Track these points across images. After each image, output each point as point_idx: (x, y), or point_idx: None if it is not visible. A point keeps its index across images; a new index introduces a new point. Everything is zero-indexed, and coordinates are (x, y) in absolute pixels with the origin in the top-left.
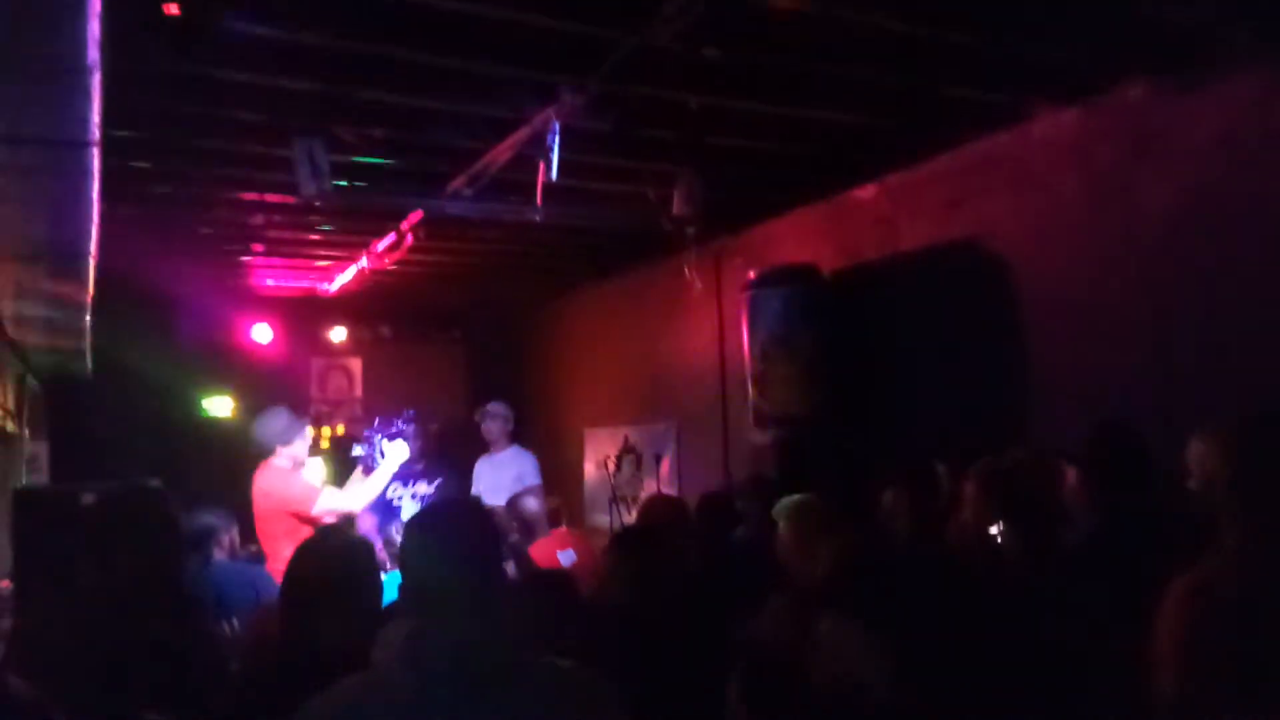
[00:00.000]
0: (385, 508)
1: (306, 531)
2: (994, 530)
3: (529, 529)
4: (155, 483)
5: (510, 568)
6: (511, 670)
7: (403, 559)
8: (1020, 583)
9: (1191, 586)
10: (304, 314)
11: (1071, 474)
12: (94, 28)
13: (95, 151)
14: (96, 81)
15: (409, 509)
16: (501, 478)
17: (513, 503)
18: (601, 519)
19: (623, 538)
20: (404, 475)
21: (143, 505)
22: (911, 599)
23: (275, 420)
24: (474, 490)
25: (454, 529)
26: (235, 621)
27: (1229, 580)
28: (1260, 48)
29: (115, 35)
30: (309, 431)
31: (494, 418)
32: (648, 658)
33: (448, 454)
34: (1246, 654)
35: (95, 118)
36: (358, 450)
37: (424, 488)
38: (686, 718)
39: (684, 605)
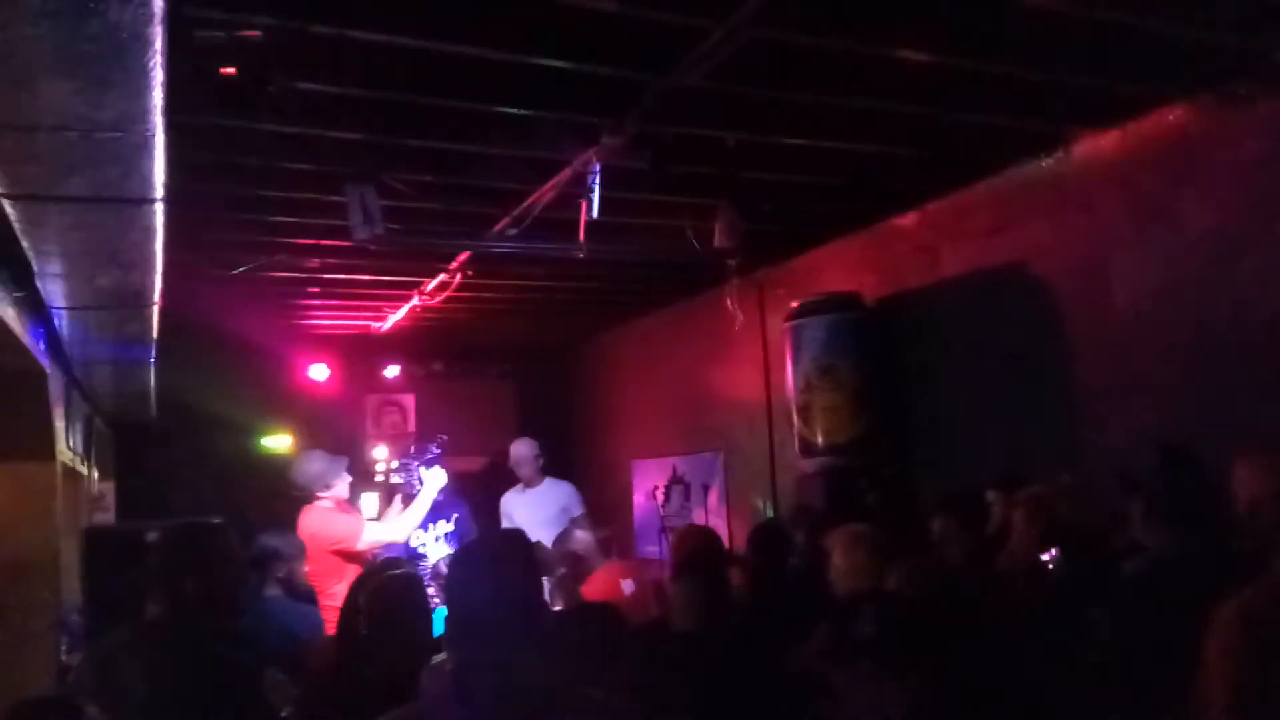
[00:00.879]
0: (409, 555)
1: (354, 569)
2: (1046, 557)
3: (582, 562)
4: (218, 520)
5: (556, 600)
6: (556, 703)
7: (448, 592)
8: (1070, 611)
9: (1237, 611)
10: (359, 352)
11: (1133, 501)
12: (159, 96)
13: (160, 207)
14: (160, 144)
15: (434, 551)
16: (543, 511)
17: (563, 537)
18: (651, 549)
19: (690, 566)
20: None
21: (205, 540)
22: (934, 638)
23: (313, 463)
24: (505, 524)
25: (497, 562)
26: (278, 674)
27: (1274, 605)
28: None
29: (176, 95)
30: (346, 473)
31: (525, 461)
32: (710, 687)
33: (467, 488)
34: None
35: (159, 177)
36: (396, 479)
37: (445, 525)
38: None
39: (742, 634)
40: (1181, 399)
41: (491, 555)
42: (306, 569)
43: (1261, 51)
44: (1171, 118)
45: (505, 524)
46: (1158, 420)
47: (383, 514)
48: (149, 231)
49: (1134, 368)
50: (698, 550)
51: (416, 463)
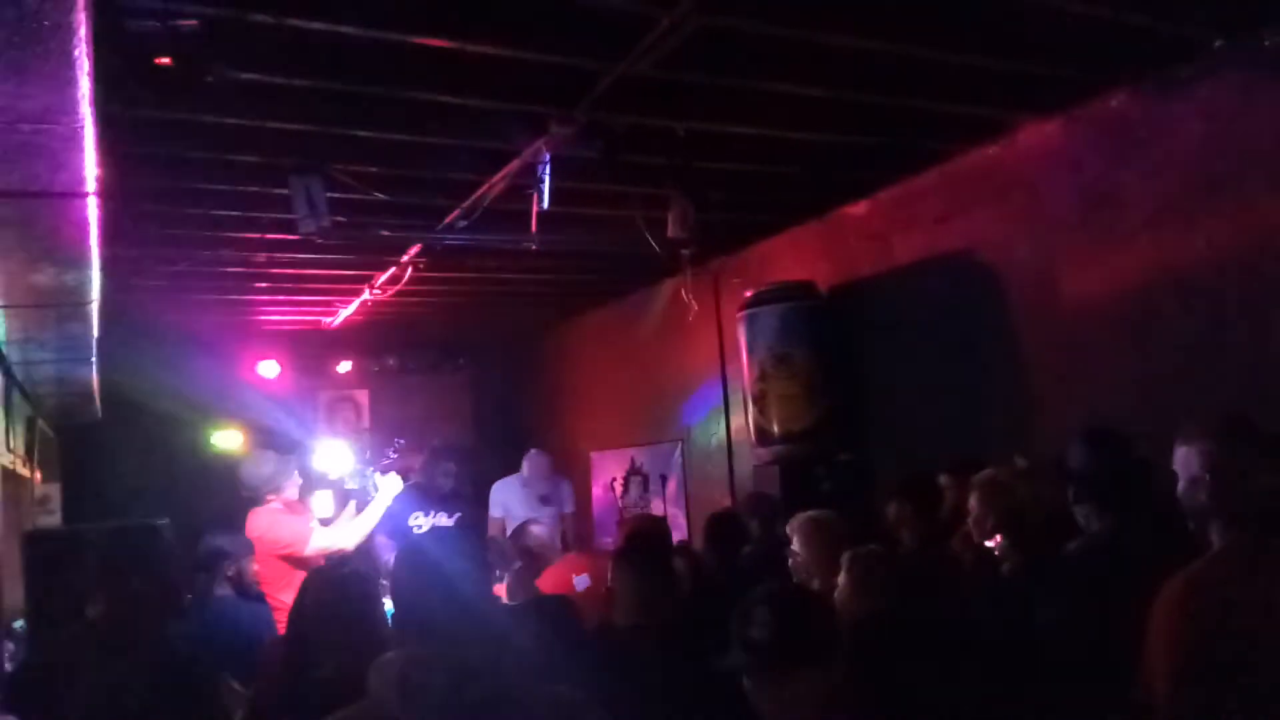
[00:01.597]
0: (406, 536)
1: (302, 575)
2: (991, 544)
3: (536, 556)
4: (161, 521)
5: (510, 594)
6: (506, 698)
7: (394, 590)
8: (1019, 593)
9: (1179, 589)
10: (310, 348)
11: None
12: (86, 85)
13: (93, 201)
14: (90, 136)
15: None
16: (541, 504)
17: (519, 532)
18: (609, 541)
19: (627, 558)
20: (425, 504)
21: (144, 541)
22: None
23: (263, 465)
24: (498, 514)
25: (443, 559)
26: (229, 678)
27: (1216, 582)
28: (1235, 55)
29: (108, 86)
30: (297, 474)
31: (545, 466)
32: (659, 678)
33: (468, 488)
34: (1231, 653)
35: (91, 169)
36: (350, 484)
37: (444, 519)
38: None
39: (691, 624)
40: (1128, 382)
41: (437, 551)
42: (255, 568)
43: (1201, 37)
44: (1114, 104)
45: (498, 512)
46: (1106, 404)
47: (337, 514)
48: (83, 226)
49: (1081, 352)
50: (635, 540)
51: (372, 468)
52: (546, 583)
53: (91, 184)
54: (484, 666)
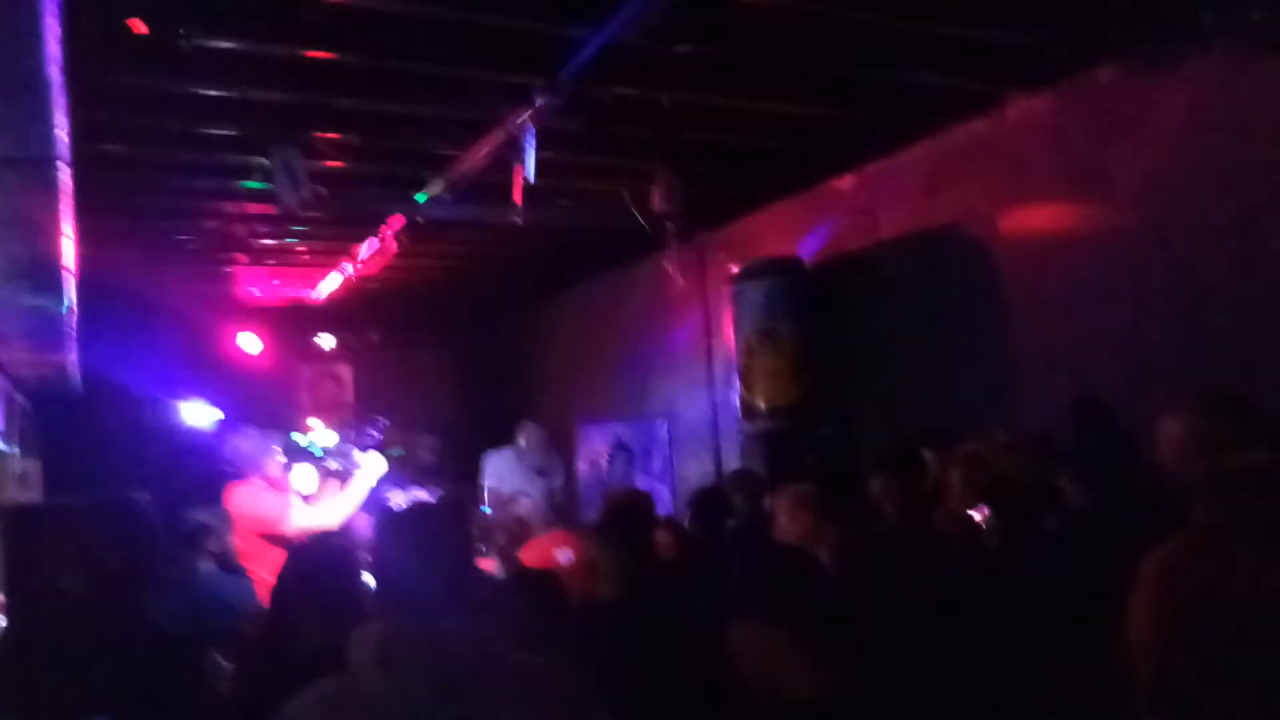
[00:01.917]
0: (386, 511)
1: (280, 551)
2: (976, 515)
3: (522, 530)
4: (141, 495)
5: (495, 568)
6: (487, 670)
7: (376, 561)
8: (1001, 565)
9: (1162, 563)
10: (293, 322)
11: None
12: (53, 48)
13: (63, 168)
14: (59, 99)
15: None
16: (536, 475)
17: (506, 505)
18: (595, 516)
19: (605, 532)
20: (403, 480)
21: (122, 515)
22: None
23: (244, 443)
24: (492, 483)
25: (425, 531)
26: (215, 655)
27: (1197, 556)
28: (1223, 30)
29: (81, 53)
30: (280, 451)
31: (540, 438)
32: (641, 652)
33: (449, 466)
34: (1212, 627)
35: (61, 135)
36: (333, 464)
37: (423, 495)
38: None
39: (676, 599)
40: (1114, 358)
41: (421, 523)
42: (237, 545)
43: (1189, 12)
44: (1102, 78)
45: (491, 482)
46: (1092, 379)
47: (321, 490)
48: (54, 194)
49: (1068, 327)
50: (615, 514)
51: (355, 447)
52: (529, 556)
53: (62, 149)
54: (463, 638)
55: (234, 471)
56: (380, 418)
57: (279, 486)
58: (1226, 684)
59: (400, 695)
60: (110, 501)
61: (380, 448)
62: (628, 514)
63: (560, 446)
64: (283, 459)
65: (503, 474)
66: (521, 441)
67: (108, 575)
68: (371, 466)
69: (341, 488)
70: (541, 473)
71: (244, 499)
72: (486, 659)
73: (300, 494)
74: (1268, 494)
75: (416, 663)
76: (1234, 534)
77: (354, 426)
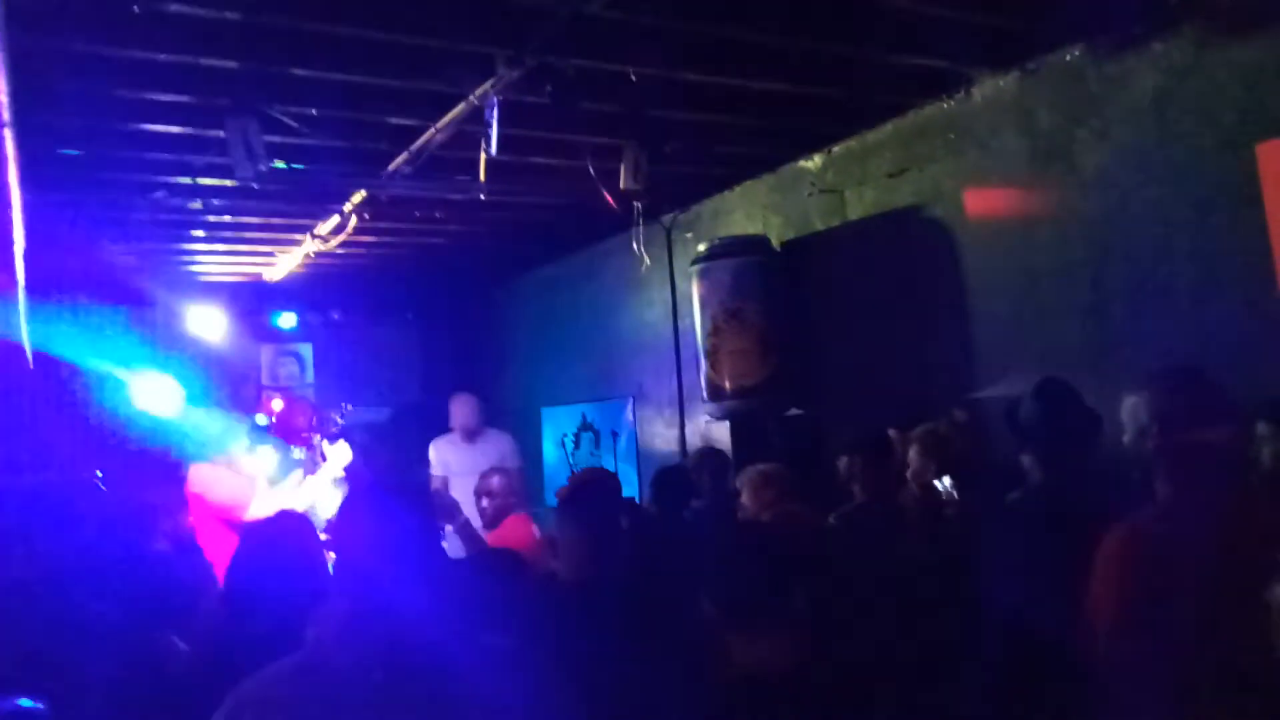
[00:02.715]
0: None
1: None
2: (939, 486)
3: (499, 506)
4: (93, 474)
5: (459, 546)
6: (445, 649)
7: (336, 537)
8: (963, 539)
9: (1121, 538)
10: (251, 300)
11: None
12: None
13: (6, 134)
14: (1, 62)
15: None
16: (484, 461)
17: (481, 481)
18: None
19: (568, 509)
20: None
21: (72, 495)
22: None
23: (210, 424)
24: (439, 472)
25: (385, 509)
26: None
27: (1157, 531)
28: (1189, 11)
29: (23, 16)
30: (245, 436)
31: (469, 418)
32: (601, 632)
33: (408, 437)
34: (1173, 600)
35: (3, 99)
36: (298, 453)
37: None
38: (643, 691)
39: (638, 577)
40: (1077, 335)
41: (381, 500)
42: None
43: None
44: (1069, 59)
45: (439, 472)
46: (1053, 356)
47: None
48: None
49: (1033, 307)
50: (580, 490)
51: (319, 435)
52: (504, 534)
53: (5, 114)
54: (423, 617)
55: (196, 453)
56: (345, 403)
57: (242, 471)
58: (1185, 660)
59: (360, 674)
60: (57, 482)
61: (346, 437)
62: (591, 491)
63: (525, 427)
64: (248, 443)
65: (448, 460)
66: (453, 417)
67: (57, 558)
68: (337, 457)
69: (306, 475)
70: (485, 453)
71: (206, 481)
72: (446, 639)
73: (264, 478)
74: (1228, 471)
75: (377, 642)
76: (1196, 511)
77: (319, 416)
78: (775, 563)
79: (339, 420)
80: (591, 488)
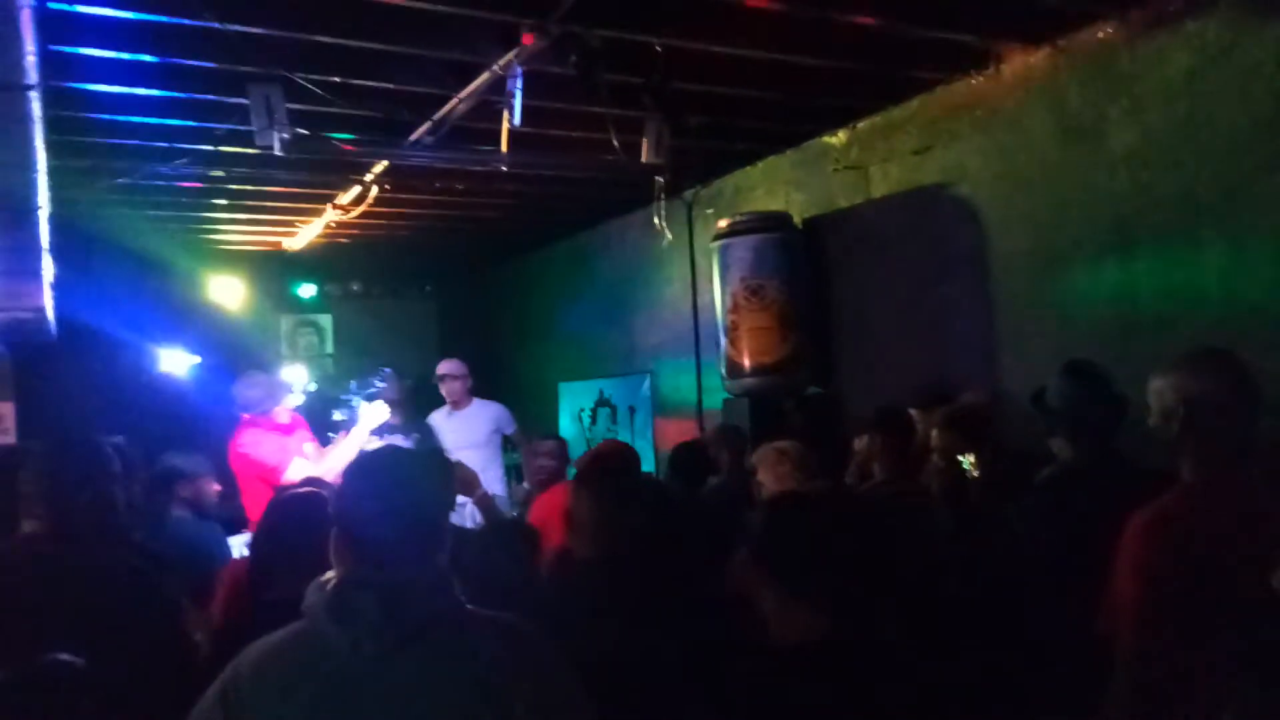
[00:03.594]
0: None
1: None
2: (964, 460)
3: (551, 474)
4: (115, 438)
5: (476, 518)
6: (443, 623)
7: (338, 506)
8: (988, 522)
9: (1147, 521)
10: (272, 270)
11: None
12: None
13: (34, 96)
14: (28, 22)
15: None
16: (474, 431)
17: (533, 449)
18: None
19: (584, 482)
20: (380, 430)
21: (89, 455)
22: (838, 548)
23: (253, 387)
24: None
25: (392, 477)
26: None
27: (1182, 515)
28: None
29: None
30: (289, 397)
31: (454, 378)
32: (617, 608)
33: (427, 409)
34: (1196, 587)
35: (31, 59)
36: (338, 415)
37: (400, 442)
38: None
39: (655, 554)
40: (1103, 315)
41: (386, 469)
42: (215, 489)
43: None
44: (1100, 35)
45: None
46: (1079, 336)
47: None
48: (26, 123)
49: (1059, 288)
50: (596, 463)
51: (358, 396)
52: (547, 503)
53: (34, 75)
54: (420, 589)
55: (239, 415)
56: (384, 367)
57: (286, 432)
58: (1207, 642)
59: (353, 646)
60: (77, 443)
61: (383, 397)
62: (608, 463)
63: (542, 401)
64: (291, 404)
65: (440, 434)
66: (443, 387)
67: (73, 517)
68: (370, 416)
69: (342, 437)
70: (469, 425)
71: (248, 443)
72: (445, 612)
73: (312, 441)
74: (1254, 454)
75: (369, 613)
76: (1222, 494)
77: (359, 378)
78: (832, 531)
79: (379, 384)
80: (608, 462)
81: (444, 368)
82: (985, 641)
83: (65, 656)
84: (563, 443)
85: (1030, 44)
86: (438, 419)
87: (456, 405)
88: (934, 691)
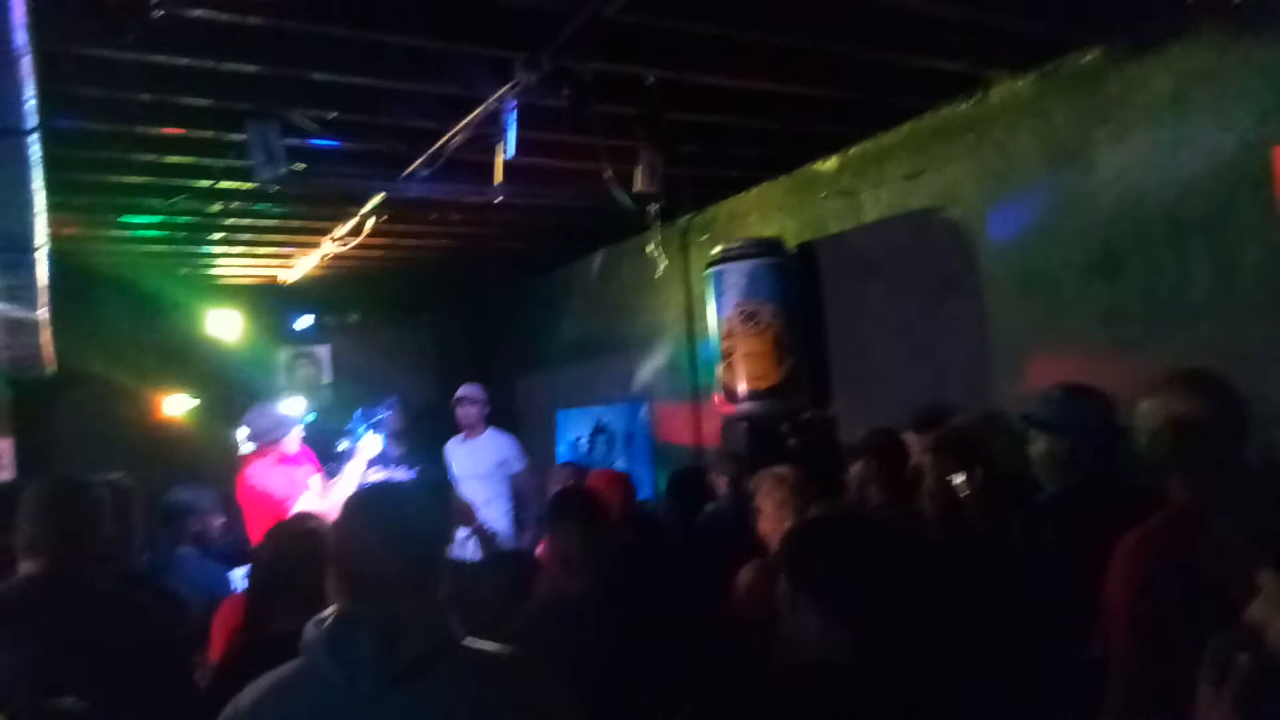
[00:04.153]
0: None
1: None
2: (956, 480)
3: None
4: (115, 475)
5: (474, 549)
6: (441, 658)
7: (336, 538)
8: (984, 541)
9: (1138, 540)
10: (269, 302)
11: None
12: (19, 12)
13: (34, 140)
14: (28, 68)
15: None
16: (482, 461)
17: (557, 473)
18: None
19: (571, 519)
20: (384, 460)
21: (91, 494)
22: (872, 570)
23: (262, 418)
24: (454, 472)
25: (389, 512)
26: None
27: (1170, 536)
28: (1205, 12)
29: (50, 22)
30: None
31: (471, 402)
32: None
33: (425, 440)
34: (1191, 605)
35: (30, 104)
36: (344, 444)
37: (402, 474)
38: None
39: (652, 580)
40: (1093, 337)
41: (385, 503)
42: (219, 523)
43: None
44: (1086, 60)
45: (454, 473)
46: (1070, 359)
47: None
48: (25, 166)
49: (1049, 309)
50: (577, 501)
51: (363, 426)
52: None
53: (33, 120)
54: (418, 624)
55: (247, 446)
56: (389, 397)
57: (295, 464)
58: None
59: (349, 681)
60: (74, 480)
61: (385, 428)
62: (591, 501)
63: (540, 429)
64: (300, 436)
65: (452, 462)
66: (458, 414)
67: (74, 555)
68: (368, 447)
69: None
70: (481, 454)
71: (257, 476)
72: (443, 647)
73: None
74: (1240, 475)
75: (366, 649)
76: (1210, 515)
77: (364, 407)
78: (872, 554)
79: (384, 413)
80: (593, 496)
81: (463, 391)
82: (985, 664)
83: (70, 700)
84: (580, 468)
85: (1017, 70)
86: (452, 445)
87: (471, 432)
88: (951, 713)
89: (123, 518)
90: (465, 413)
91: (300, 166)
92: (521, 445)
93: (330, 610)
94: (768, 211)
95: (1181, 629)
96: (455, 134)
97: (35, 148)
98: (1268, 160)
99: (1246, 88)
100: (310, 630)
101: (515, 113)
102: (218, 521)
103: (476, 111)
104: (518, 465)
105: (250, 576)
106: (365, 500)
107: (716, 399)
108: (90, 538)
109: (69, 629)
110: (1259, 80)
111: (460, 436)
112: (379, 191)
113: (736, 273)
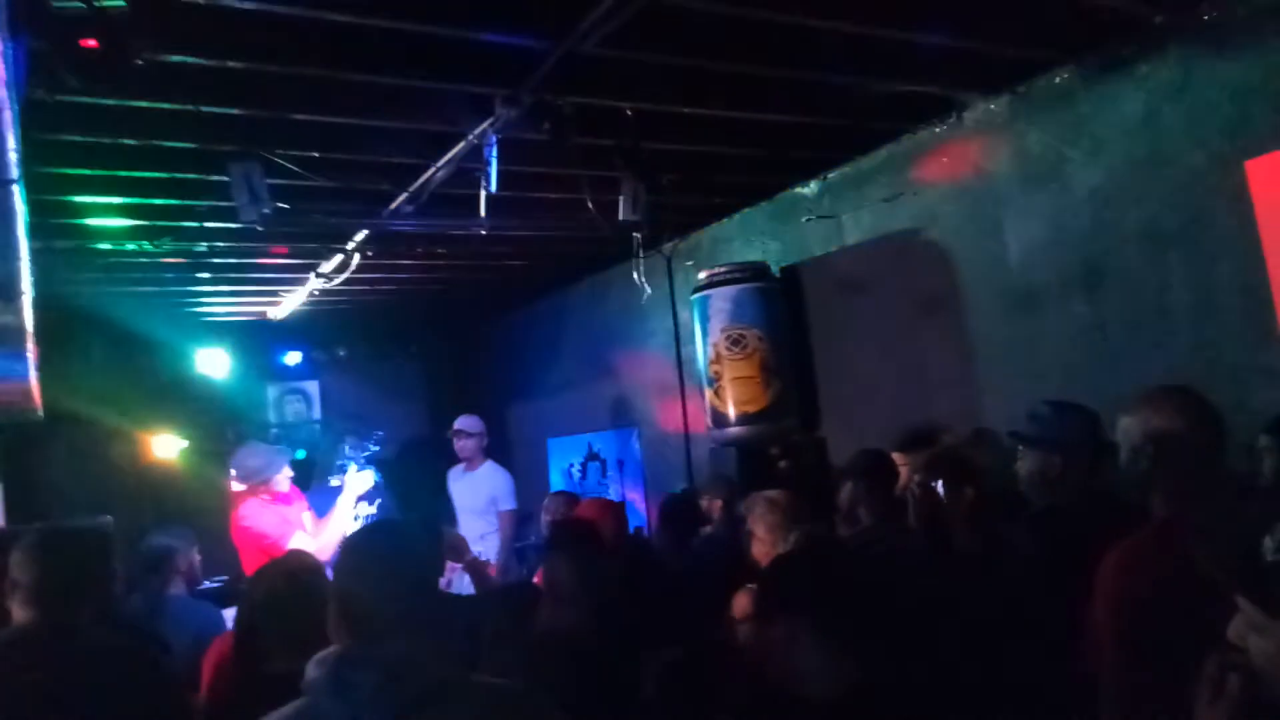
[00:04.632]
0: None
1: None
2: (939, 488)
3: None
4: (104, 519)
5: (468, 583)
6: (443, 694)
7: (335, 579)
8: (975, 559)
9: (1122, 556)
10: (257, 339)
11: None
12: (5, 69)
13: (16, 189)
14: (10, 120)
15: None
16: (477, 496)
17: (549, 499)
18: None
19: (560, 550)
20: (369, 496)
21: (76, 540)
22: (865, 593)
23: (252, 457)
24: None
25: (386, 549)
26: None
27: (1152, 551)
28: (1174, 31)
29: (30, 71)
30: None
31: (468, 435)
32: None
33: (415, 471)
34: (1168, 624)
35: (12, 156)
36: (336, 480)
37: (365, 508)
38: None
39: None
40: (1074, 354)
41: (381, 541)
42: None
43: (1141, 14)
44: (1058, 80)
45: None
46: (1053, 376)
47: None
48: (9, 215)
49: (1030, 328)
50: (570, 532)
51: (354, 461)
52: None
53: (14, 170)
54: (419, 662)
55: (238, 486)
56: (378, 431)
57: (286, 502)
58: (1179, 682)
59: None
60: (64, 527)
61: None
62: (580, 532)
63: (531, 458)
64: (291, 474)
65: (453, 493)
66: (456, 448)
67: (64, 601)
68: (356, 483)
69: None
70: (477, 488)
71: (250, 514)
72: (444, 683)
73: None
74: (1222, 492)
75: (369, 688)
76: (1190, 530)
77: (353, 442)
78: (877, 582)
79: (373, 447)
80: (582, 526)
81: (459, 424)
82: (977, 679)
83: None
84: (573, 496)
85: (990, 92)
86: (453, 475)
87: (470, 464)
88: None
89: (105, 563)
90: (462, 445)
91: (284, 206)
92: (515, 484)
93: (331, 650)
94: (751, 236)
95: (1165, 644)
96: (438, 169)
97: (18, 197)
98: (1240, 175)
99: (1215, 104)
100: (312, 670)
101: (496, 147)
102: (196, 559)
103: (458, 147)
104: (505, 505)
105: (238, 613)
106: (363, 540)
107: (706, 424)
108: (82, 586)
109: (64, 678)
110: (1227, 97)
111: (460, 467)
112: (364, 227)
113: (721, 297)
